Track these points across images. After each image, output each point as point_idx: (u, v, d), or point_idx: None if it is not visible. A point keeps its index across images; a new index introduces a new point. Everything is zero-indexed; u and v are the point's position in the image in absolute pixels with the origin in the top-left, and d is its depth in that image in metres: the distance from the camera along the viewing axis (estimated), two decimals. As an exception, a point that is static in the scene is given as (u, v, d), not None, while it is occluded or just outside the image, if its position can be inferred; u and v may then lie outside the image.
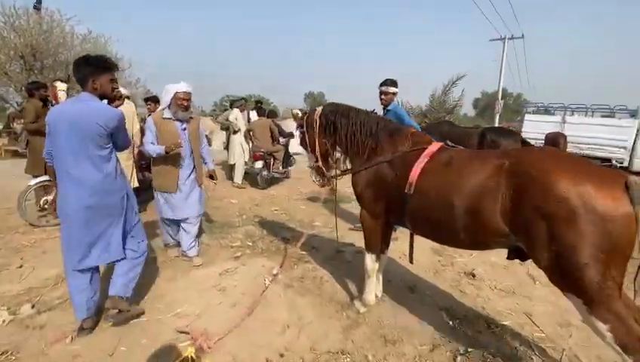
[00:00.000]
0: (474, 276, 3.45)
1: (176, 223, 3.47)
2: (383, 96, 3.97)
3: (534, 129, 11.31)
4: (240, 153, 7.10)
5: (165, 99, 3.25)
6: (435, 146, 2.22)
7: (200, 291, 2.93)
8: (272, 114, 7.96)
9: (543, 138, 7.89)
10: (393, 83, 3.94)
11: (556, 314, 2.86)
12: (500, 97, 19.26)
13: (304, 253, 3.75)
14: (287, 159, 7.71)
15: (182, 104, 3.22)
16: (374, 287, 2.68)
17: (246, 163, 7.27)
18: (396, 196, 2.26)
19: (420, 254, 3.49)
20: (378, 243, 2.57)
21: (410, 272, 3.42)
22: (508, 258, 2.07)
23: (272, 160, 7.13)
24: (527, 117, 12.08)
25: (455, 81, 10.03)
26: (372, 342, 2.38)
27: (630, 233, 1.50)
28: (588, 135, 10.32)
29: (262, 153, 6.95)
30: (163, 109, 3.32)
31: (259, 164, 6.94)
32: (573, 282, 1.60)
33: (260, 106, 8.10)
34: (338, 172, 2.87)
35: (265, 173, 7.02)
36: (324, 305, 2.78)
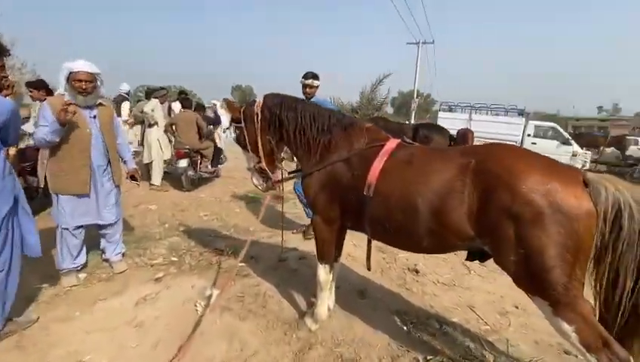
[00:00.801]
0: (417, 271, 3.42)
1: (82, 234, 2.83)
2: (307, 90, 3.77)
3: (447, 125, 12.47)
4: (158, 150, 6.13)
5: (60, 80, 2.59)
6: (393, 143, 1.99)
7: (109, 331, 2.27)
8: (200, 107, 7.10)
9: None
10: (315, 76, 3.78)
11: (494, 303, 2.94)
12: (415, 96, 20.89)
13: (242, 264, 3.27)
14: (218, 156, 6.97)
15: (80, 87, 2.58)
16: (327, 300, 2.37)
17: (166, 161, 6.33)
18: (354, 199, 1.98)
19: (364, 254, 3.32)
20: (332, 251, 2.27)
21: (358, 274, 3.22)
22: (467, 259, 1.95)
23: (199, 157, 6.33)
24: (440, 114, 13.22)
25: (382, 79, 10.41)
26: (329, 365, 2.08)
27: (592, 231, 1.45)
28: (489, 130, 11.67)
29: (186, 150, 6.11)
30: (63, 94, 2.62)
31: (183, 163, 6.09)
32: (540, 284, 1.51)
33: (185, 97, 7.12)
34: (285, 174, 2.48)
35: (190, 172, 6.21)
36: (271, 327, 2.38)
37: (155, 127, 6.11)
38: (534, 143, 11.98)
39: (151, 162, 6.11)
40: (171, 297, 2.69)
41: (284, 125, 2.23)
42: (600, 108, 56.72)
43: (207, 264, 3.30)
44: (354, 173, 1.99)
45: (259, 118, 2.24)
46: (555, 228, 1.44)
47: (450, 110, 13.21)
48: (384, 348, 2.26)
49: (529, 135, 12.35)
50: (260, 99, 2.31)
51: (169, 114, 6.71)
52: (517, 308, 2.91)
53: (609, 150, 13.78)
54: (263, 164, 2.34)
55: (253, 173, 2.44)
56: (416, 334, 2.41)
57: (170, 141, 6.35)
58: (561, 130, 12.41)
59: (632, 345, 1.48)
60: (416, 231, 1.76)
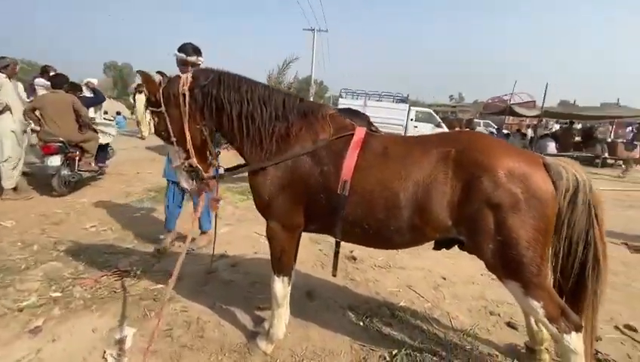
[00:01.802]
0: (355, 259, 3.34)
1: None
2: (187, 70, 2.95)
3: (346, 111, 13.09)
4: (12, 144, 4.46)
5: None
6: (361, 132, 1.72)
7: None
8: (75, 87, 5.42)
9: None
10: (197, 50, 2.90)
11: (427, 279, 3.08)
12: (312, 82, 21.22)
13: (159, 286, 2.59)
14: (104, 150, 5.54)
15: None
16: (284, 316, 2.01)
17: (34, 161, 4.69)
18: (324, 199, 1.67)
19: (301, 249, 3.05)
20: (292, 261, 1.91)
21: (300, 273, 2.92)
22: (434, 248, 1.87)
23: (78, 153, 4.87)
24: (340, 100, 13.71)
25: (288, 63, 9.97)
26: (295, 390, 1.77)
27: (555, 211, 1.51)
28: (381, 115, 12.65)
29: (60, 144, 4.61)
30: None
31: (54, 161, 4.59)
32: (516, 268, 1.51)
33: (57, 74, 5.26)
34: (221, 170, 1.95)
35: (65, 172, 4.74)
36: (216, 361, 1.90)
37: (8, 113, 4.38)
38: (416, 127, 13.64)
39: (5, 161, 4.40)
40: (63, 354, 1.89)
41: (224, 110, 1.73)
42: (451, 96, 69.45)
43: (108, 294, 2.49)
44: (323, 169, 1.66)
45: (186, 100, 1.68)
46: (531, 213, 1.45)
47: (350, 97, 13.81)
48: (348, 352, 2.06)
49: (412, 119, 13.95)
50: (187, 75, 1.72)
51: (28, 95, 4.92)
52: (444, 279, 3.11)
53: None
54: (194, 161, 1.79)
55: (181, 172, 1.86)
56: (373, 328, 2.29)
57: (31, 132, 4.69)
58: (435, 115, 14.42)
59: (578, 308, 1.62)
60: (398, 229, 1.58)
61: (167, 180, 3.28)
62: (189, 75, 1.75)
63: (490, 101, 25.51)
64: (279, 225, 1.80)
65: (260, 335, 2.05)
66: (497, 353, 2.16)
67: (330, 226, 1.73)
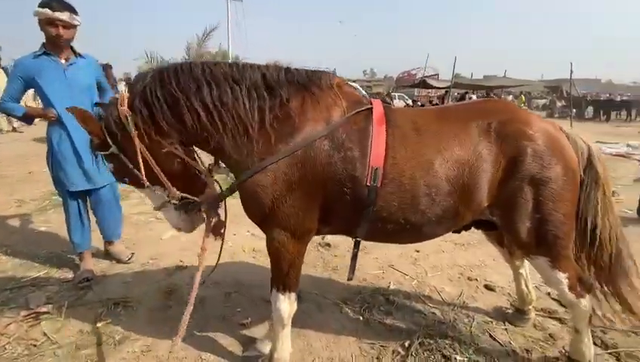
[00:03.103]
0: (329, 245, 3.08)
1: None
2: (53, 31, 2.06)
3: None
4: None
5: None
6: (379, 105, 1.37)
7: None
8: None
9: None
10: (67, 6, 2.09)
11: (404, 255, 3.00)
12: (230, 54, 19.54)
13: (104, 322, 1.92)
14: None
15: None
16: (289, 338, 1.63)
17: None
18: (349, 194, 1.30)
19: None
20: (299, 275, 1.52)
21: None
22: (455, 232, 1.68)
23: None
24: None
25: (209, 32, 8.63)
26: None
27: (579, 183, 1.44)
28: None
29: None
30: None
31: None
32: (550, 243, 1.42)
33: None
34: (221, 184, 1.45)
35: None
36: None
37: None
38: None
39: None
40: None
41: (181, 107, 1.24)
42: (364, 72, 72.90)
43: (24, 350, 1.74)
44: (345, 156, 1.28)
45: (135, 122, 1.23)
46: (569, 186, 1.36)
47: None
48: (359, 355, 1.82)
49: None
50: (122, 92, 1.31)
51: None
52: (418, 252, 3.08)
53: (383, 105, 17.68)
54: (176, 193, 1.36)
55: (168, 212, 1.43)
56: (375, 321, 2.09)
57: None
58: (360, 89, 14.68)
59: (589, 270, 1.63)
60: (440, 219, 1.34)
61: (60, 191, 2.32)
62: (124, 91, 1.30)
63: (401, 75, 27.30)
64: (287, 234, 1.38)
65: (262, 360, 1.64)
66: (489, 319, 2.17)
67: (352, 225, 1.40)
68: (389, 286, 2.47)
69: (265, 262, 2.62)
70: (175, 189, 1.35)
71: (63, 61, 2.18)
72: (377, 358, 1.79)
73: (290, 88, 1.33)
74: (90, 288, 2.21)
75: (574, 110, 16.36)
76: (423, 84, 17.08)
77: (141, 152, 1.25)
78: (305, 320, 2.02)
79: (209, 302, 2.16)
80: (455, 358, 1.76)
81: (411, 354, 1.79)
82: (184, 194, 1.38)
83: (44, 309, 1.97)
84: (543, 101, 26.97)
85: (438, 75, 23.47)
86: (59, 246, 2.84)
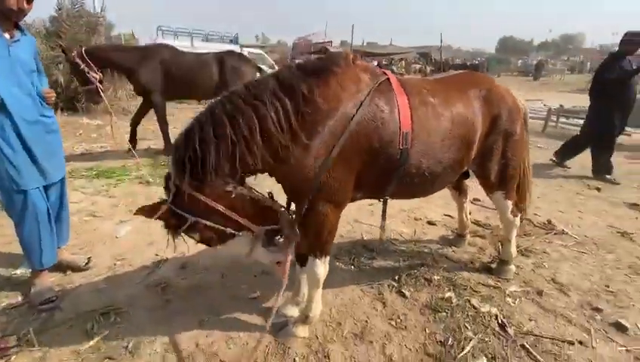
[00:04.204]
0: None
1: None
2: (23, 4, 1.65)
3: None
4: None
5: None
6: (392, 75, 1.53)
7: None
8: None
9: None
10: None
11: (361, 208, 3.29)
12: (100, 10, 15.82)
13: (97, 339, 1.67)
14: None
15: None
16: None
17: None
18: (384, 159, 1.45)
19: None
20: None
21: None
22: None
23: None
24: (159, 41, 11.07)
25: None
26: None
27: None
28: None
29: None
30: None
31: None
32: (508, 181, 1.93)
33: None
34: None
35: None
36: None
37: None
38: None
39: None
40: None
41: (220, 151, 1.29)
42: (256, 37, 70.53)
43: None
44: (379, 125, 1.41)
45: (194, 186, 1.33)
46: (522, 136, 1.85)
47: (171, 37, 11.29)
48: (362, 296, 2.10)
49: (245, 61, 13.13)
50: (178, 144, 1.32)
51: None
52: (371, 205, 3.46)
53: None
54: (257, 228, 1.43)
55: (258, 252, 1.49)
56: (365, 266, 2.40)
57: None
58: (267, 56, 14.10)
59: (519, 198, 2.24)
60: (453, 171, 1.66)
61: (7, 196, 1.78)
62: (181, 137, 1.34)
63: (297, 41, 27.01)
64: (331, 205, 1.47)
65: (290, 324, 1.75)
66: (439, 246, 2.73)
67: (383, 187, 1.57)
68: (362, 238, 2.80)
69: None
70: (254, 225, 1.38)
71: (7, 36, 1.66)
72: (379, 293, 2.12)
73: (308, 79, 1.35)
74: (57, 308, 1.84)
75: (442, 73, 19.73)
76: (325, 51, 17.44)
77: (212, 207, 1.29)
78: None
79: (207, 287, 2.08)
80: (435, 278, 2.23)
81: (403, 284, 2.17)
82: (267, 227, 1.40)
83: (8, 344, 1.58)
84: (419, 66, 31.14)
85: (332, 42, 24.23)
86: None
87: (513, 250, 2.31)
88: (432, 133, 1.56)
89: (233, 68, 4.42)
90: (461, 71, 2.01)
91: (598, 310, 2.02)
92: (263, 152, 1.29)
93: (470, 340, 1.74)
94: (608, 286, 2.25)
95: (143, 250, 2.40)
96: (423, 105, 1.55)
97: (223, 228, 1.35)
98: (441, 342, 1.74)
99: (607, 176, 4.36)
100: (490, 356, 1.66)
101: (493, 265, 2.39)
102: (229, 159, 1.26)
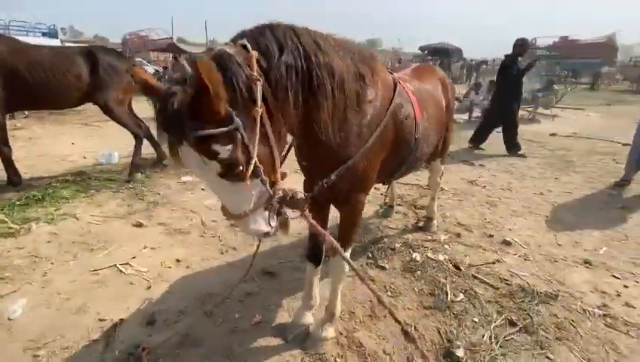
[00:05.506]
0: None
1: None
2: None
3: None
4: None
5: None
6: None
7: None
8: None
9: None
10: None
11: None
12: None
13: None
14: None
15: None
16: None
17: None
18: (404, 148, 1.56)
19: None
20: None
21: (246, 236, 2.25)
22: None
23: None
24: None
25: None
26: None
27: None
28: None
29: None
30: None
31: None
32: (446, 149, 2.40)
33: None
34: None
35: None
36: None
37: None
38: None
39: None
40: None
41: (315, 80, 1.06)
42: (62, 29, 55.99)
43: None
44: (405, 117, 1.48)
45: (260, 90, 0.91)
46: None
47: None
48: (360, 284, 2.17)
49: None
50: (238, 49, 0.92)
51: None
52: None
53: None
54: (283, 188, 1.07)
55: (257, 216, 1.04)
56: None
57: None
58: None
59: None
60: (435, 148, 1.97)
61: None
62: (242, 45, 0.93)
63: (129, 37, 22.89)
64: (365, 194, 1.48)
65: (314, 330, 1.67)
66: (377, 219, 3.10)
67: (394, 172, 1.67)
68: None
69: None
70: (277, 173, 1.05)
71: None
72: (364, 273, 2.26)
73: (364, 66, 1.28)
74: None
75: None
76: (174, 47, 15.56)
77: (262, 132, 0.93)
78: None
79: (198, 332, 1.69)
80: (397, 246, 2.55)
81: (378, 258, 2.40)
82: (292, 188, 1.09)
83: None
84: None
85: (171, 37, 22.00)
86: None
87: (436, 207, 2.90)
88: (430, 120, 1.76)
89: (107, 63, 3.31)
90: (425, 63, 2.40)
91: (491, 236, 2.83)
92: (323, 116, 1.11)
93: (445, 285, 2.13)
94: (486, 218, 3.16)
95: (67, 322, 1.67)
96: (419, 95, 1.69)
97: (256, 163, 0.93)
98: (429, 293, 2.06)
99: (519, 152, 5.20)
100: (463, 291, 2.09)
101: (421, 224, 2.94)
102: (295, 103, 1.02)
